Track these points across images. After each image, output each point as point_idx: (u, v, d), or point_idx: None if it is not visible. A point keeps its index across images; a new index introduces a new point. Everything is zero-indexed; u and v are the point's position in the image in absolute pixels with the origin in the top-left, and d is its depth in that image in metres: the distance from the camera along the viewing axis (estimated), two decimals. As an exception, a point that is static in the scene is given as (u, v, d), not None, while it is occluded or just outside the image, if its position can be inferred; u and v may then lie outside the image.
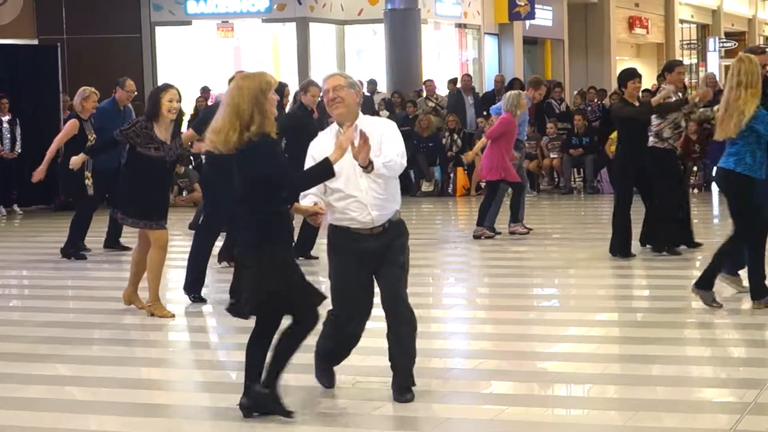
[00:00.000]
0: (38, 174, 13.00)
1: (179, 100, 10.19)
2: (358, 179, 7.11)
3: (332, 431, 6.89)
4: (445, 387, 7.79)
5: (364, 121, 7.24)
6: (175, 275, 12.19)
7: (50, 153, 13.36)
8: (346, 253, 7.23)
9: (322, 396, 7.45)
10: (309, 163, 7.12)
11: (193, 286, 11.03)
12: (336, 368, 7.66)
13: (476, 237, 14.94)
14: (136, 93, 14.76)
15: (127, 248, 14.36)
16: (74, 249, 14.10)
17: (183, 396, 7.95)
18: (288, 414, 6.94)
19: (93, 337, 9.69)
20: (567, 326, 9.73)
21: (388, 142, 7.19)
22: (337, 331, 7.39)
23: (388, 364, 7.35)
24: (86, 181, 13.92)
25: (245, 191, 6.85)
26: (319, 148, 7.17)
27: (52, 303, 11.49)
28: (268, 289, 6.77)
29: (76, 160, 11.66)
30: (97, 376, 8.32)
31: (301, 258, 12.38)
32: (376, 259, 7.23)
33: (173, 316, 10.30)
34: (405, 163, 7.27)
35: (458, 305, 11.13)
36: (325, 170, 6.83)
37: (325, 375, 7.62)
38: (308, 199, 7.07)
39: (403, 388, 7.35)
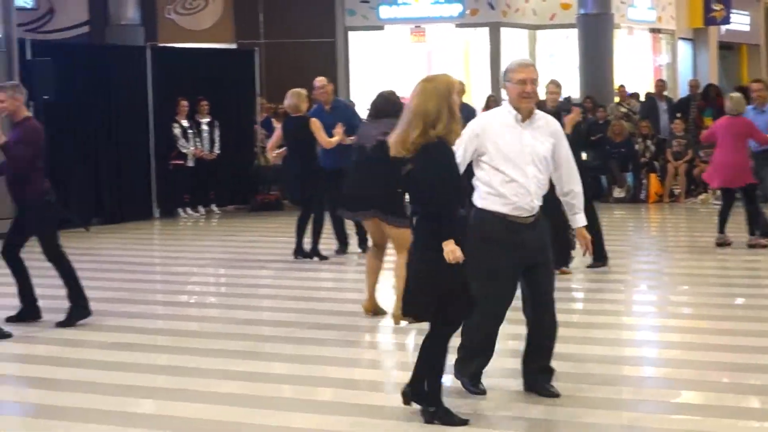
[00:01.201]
0: None
1: None
2: (526, 165, 7.23)
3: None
4: (637, 395, 7.75)
5: (539, 115, 7.44)
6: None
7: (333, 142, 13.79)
8: (501, 244, 7.25)
9: (511, 401, 7.49)
10: (467, 133, 7.21)
11: None
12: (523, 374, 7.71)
13: (751, 246, 14.62)
14: (327, 86, 14.78)
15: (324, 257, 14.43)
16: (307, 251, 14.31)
17: (391, 397, 7.99)
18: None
19: (291, 336, 9.87)
20: (764, 337, 9.55)
21: (568, 158, 7.49)
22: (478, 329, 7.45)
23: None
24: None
25: (418, 192, 6.93)
26: (488, 125, 7.33)
27: (248, 301, 11.77)
28: (431, 289, 6.82)
29: None
30: (295, 375, 8.50)
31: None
32: (531, 253, 7.29)
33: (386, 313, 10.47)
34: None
35: (650, 313, 11.03)
36: (453, 229, 6.84)
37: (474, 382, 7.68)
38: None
39: (547, 386, 7.54)
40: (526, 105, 7.33)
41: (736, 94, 15.45)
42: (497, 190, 7.23)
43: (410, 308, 6.96)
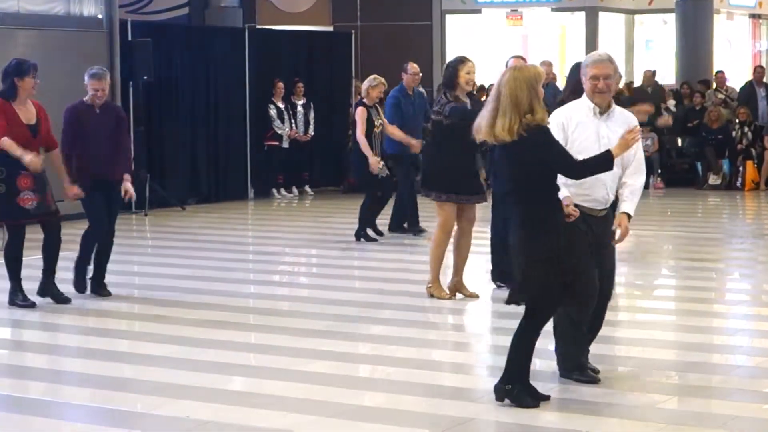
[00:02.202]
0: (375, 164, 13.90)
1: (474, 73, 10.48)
2: None
3: (614, 422, 6.90)
4: (727, 384, 7.68)
5: (616, 111, 7.47)
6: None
7: (364, 147, 13.95)
8: (576, 233, 7.22)
9: (601, 387, 7.47)
10: (554, 130, 7.16)
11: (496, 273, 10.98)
12: (615, 361, 7.67)
13: None
14: (420, 75, 15.03)
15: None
16: (365, 232, 14.48)
17: (473, 379, 8.05)
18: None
19: (379, 317, 9.93)
20: None
21: (638, 154, 7.49)
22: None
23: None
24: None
25: (517, 180, 6.97)
26: (569, 118, 7.36)
27: (339, 282, 11.82)
28: (533, 282, 6.86)
29: None
30: (381, 355, 8.57)
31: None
32: (597, 242, 7.34)
33: (450, 297, 10.46)
34: None
35: (742, 302, 10.91)
36: (606, 162, 7.00)
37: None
38: (561, 192, 7.13)
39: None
40: (600, 100, 7.40)
41: None
42: (574, 181, 7.24)
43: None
